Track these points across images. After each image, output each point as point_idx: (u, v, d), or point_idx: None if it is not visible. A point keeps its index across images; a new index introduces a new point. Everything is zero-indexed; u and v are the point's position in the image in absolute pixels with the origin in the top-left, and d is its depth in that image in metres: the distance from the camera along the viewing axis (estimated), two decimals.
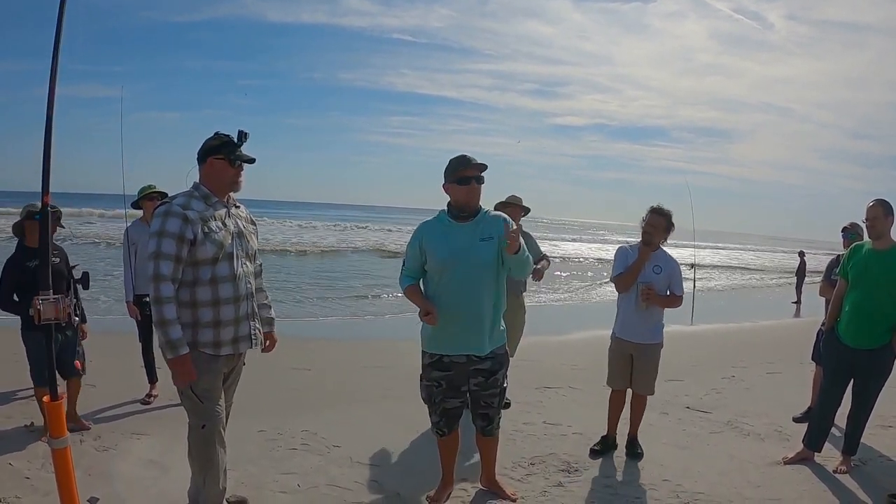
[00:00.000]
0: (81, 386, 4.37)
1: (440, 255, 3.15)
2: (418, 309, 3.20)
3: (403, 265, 3.32)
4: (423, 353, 3.31)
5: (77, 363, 4.23)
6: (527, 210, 5.24)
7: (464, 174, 3.14)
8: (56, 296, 2.60)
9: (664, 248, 4.23)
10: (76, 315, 4.20)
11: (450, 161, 3.19)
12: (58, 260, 4.10)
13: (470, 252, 3.11)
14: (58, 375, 3.38)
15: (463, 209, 3.19)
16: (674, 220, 4.16)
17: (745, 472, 4.05)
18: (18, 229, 4.17)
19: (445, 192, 3.22)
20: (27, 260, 3.96)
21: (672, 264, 4.18)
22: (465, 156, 3.17)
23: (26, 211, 4.11)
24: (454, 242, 3.14)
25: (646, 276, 4.10)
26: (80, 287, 4.42)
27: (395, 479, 3.74)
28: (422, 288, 3.28)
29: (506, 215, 3.26)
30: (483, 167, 3.17)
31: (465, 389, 3.25)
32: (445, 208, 3.25)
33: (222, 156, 2.89)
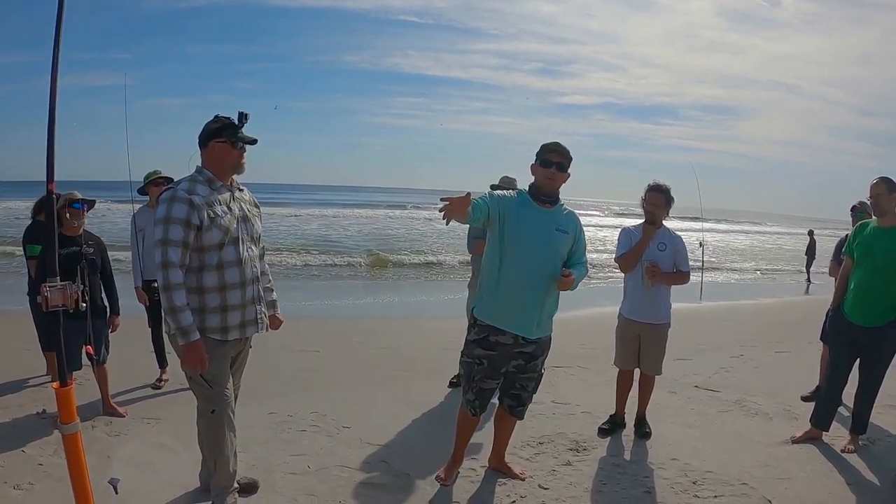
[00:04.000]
0: (107, 374, 4.38)
1: (520, 231, 3.12)
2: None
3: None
4: (471, 325, 3.29)
5: (89, 348, 4.24)
6: None
7: (547, 157, 3.18)
8: (63, 282, 2.59)
9: (668, 226, 4.22)
10: (84, 301, 4.20)
11: (543, 143, 3.23)
12: (92, 250, 4.13)
13: (548, 238, 3.15)
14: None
15: (542, 192, 3.21)
16: (678, 197, 4.15)
17: (753, 450, 4.06)
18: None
19: (532, 172, 3.24)
20: (61, 248, 3.97)
21: (676, 241, 4.17)
22: (557, 142, 3.21)
23: (64, 199, 4.11)
24: (535, 223, 3.16)
25: (651, 254, 4.09)
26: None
27: (404, 459, 3.76)
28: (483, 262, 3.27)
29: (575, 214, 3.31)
30: (567, 158, 3.19)
31: (504, 370, 3.26)
32: (526, 188, 3.28)
33: (224, 138, 2.86)
